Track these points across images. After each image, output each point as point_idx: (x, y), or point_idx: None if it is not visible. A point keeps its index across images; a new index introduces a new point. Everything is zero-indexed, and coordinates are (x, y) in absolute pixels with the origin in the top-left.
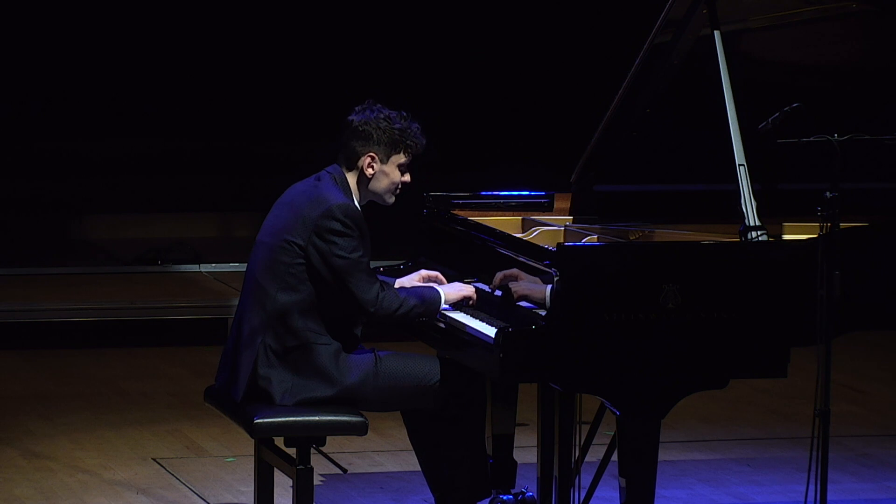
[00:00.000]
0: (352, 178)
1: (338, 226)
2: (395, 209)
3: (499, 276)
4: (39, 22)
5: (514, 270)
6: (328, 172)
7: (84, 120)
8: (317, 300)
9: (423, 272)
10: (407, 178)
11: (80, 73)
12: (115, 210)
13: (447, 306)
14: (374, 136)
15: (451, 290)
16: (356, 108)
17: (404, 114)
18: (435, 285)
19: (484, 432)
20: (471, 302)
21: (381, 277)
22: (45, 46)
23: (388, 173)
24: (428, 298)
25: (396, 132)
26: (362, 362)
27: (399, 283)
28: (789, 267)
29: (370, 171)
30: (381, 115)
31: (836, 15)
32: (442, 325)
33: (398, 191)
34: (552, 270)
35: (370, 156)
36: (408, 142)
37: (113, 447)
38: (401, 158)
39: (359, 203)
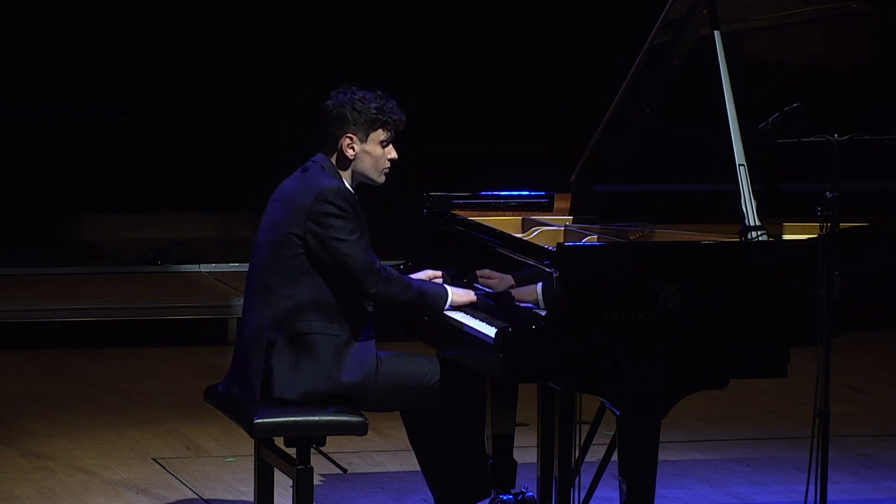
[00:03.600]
0: (336, 163)
1: (332, 208)
2: (395, 209)
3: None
4: (41, 23)
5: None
6: (313, 162)
7: (84, 120)
8: (322, 289)
9: (428, 272)
10: (393, 154)
11: (81, 73)
12: (115, 210)
13: (450, 307)
14: (350, 116)
15: (461, 293)
16: (331, 94)
17: (380, 93)
18: (446, 284)
19: (484, 432)
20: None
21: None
22: (45, 46)
23: (370, 151)
24: (434, 293)
25: (372, 110)
26: (363, 361)
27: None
28: (789, 267)
29: (351, 151)
30: (356, 97)
31: (836, 15)
32: (442, 325)
33: (387, 169)
34: (552, 270)
35: (348, 137)
36: (385, 118)
37: (113, 447)
38: (381, 135)
39: (350, 187)
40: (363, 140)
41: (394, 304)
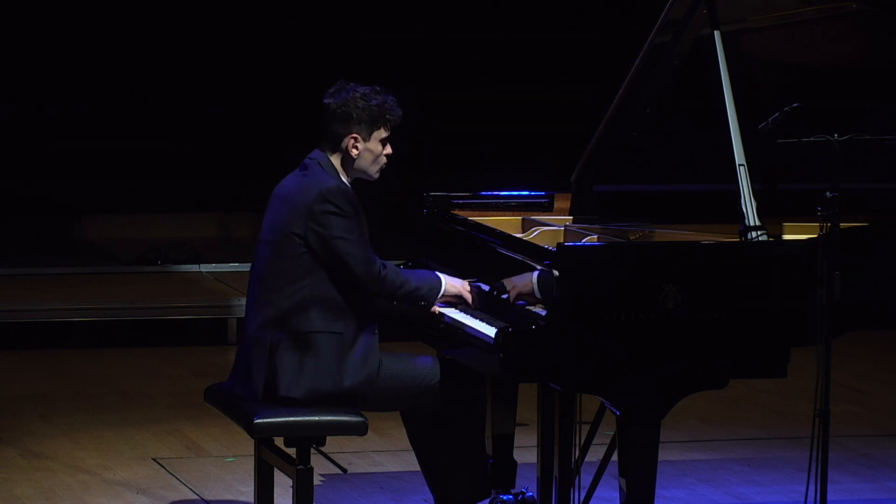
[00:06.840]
0: (336, 161)
1: (332, 207)
2: (395, 209)
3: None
4: (40, 23)
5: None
6: (312, 159)
7: (85, 121)
8: (324, 287)
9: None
10: (389, 150)
11: (81, 74)
12: (115, 210)
13: (442, 304)
14: (354, 115)
15: (453, 282)
16: (329, 91)
17: (378, 88)
18: (437, 273)
19: (484, 432)
20: (470, 303)
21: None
22: (47, 48)
23: (372, 149)
24: (430, 283)
25: (375, 109)
26: (366, 362)
27: None
28: (789, 267)
29: (355, 151)
30: (357, 94)
31: (836, 15)
32: (443, 325)
33: (384, 165)
34: (552, 271)
35: (353, 137)
36: (387, 116)
37: (113, 447)
38: (382, 133)
39: (348, 184)
40: (366, 139)
41: (393, 300)
